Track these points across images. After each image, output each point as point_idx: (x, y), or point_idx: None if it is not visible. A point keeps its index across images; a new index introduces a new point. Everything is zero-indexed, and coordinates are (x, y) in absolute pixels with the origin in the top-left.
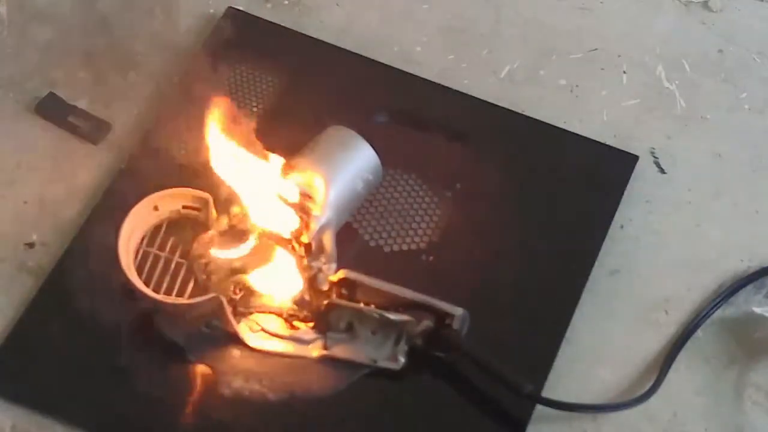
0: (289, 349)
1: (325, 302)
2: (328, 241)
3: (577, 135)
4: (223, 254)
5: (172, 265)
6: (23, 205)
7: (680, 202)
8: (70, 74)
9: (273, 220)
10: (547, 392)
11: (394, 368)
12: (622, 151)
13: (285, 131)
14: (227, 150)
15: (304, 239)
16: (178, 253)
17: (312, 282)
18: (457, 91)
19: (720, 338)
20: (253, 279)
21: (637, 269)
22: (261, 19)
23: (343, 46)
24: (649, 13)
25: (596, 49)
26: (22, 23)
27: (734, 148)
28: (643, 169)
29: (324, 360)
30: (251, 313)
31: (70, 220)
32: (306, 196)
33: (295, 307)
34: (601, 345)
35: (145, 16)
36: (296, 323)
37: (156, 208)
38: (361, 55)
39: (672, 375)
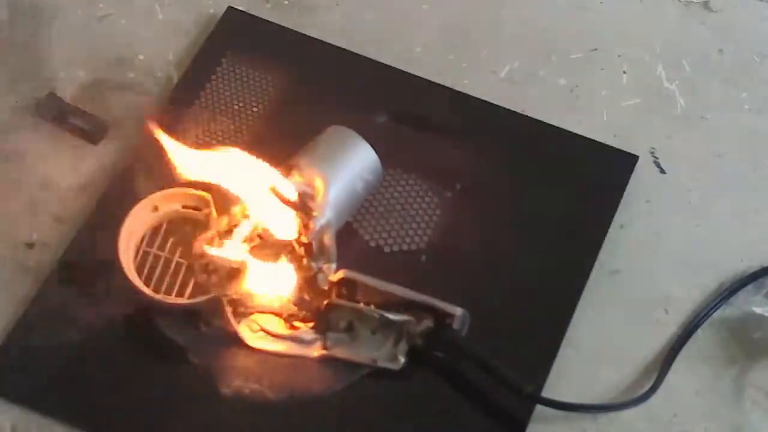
0: (289, 349)
1: (325, 302)
2: (328, 241)
3: (577, 135)
4: (217, 252)
5: (172, 265)
6: (23, 205)
7: (680, 202)
8: (70, 74)
9: (273, 220)
10: (547, 392)
11: (394, 368)
12: (622, 151)
13: (285, 131)
14: (223, 154)
15: (304, 239)
16: (178, 253)
17: (312, 282)
18: (457, 91)
19: (720, 338)
20: (249, 280)
21: (637, 269)
22: (261, 19)
23: (343, 46)
24: (648, 13)
25: (596, 49)
26: (22, 23)
27: (734, 148)
28: (643, 169)
29: (324, 360)
30: (251, 313)
31: (70, 220)
32: (307, 196)
33: (294, 307)
34: (601, 345)
35: (145, 16)
36: (296, 323)
37: (156, 208)
38: (361, 55)
39: (672, 375)
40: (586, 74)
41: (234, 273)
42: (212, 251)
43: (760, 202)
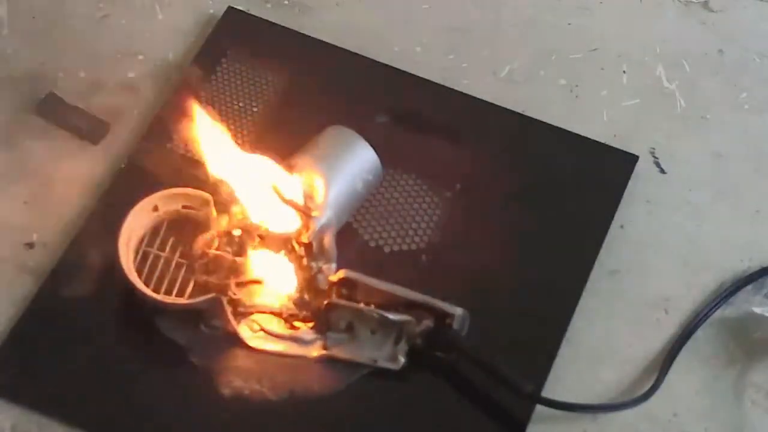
0: (289, 349)
1: (325, 302)
2: (328, 241)
3: (577, 135)
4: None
5: (172, 265)
6: (23, 205)
7: (680, 202)
8: (70, 74)
9: (272, 220)
10: (547, 392)
11: (394, 368)
12: (622, 151)
13: (285, 131)
14: (225, 151)
15: (304, 239)
16: (178, 253)
17: (312, 282)
18: (457, 91)
19: (720, 338)
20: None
21: (637, 269)
22: (261, 19)
23: (343, 46)
24: (649, 13)
25: (596, 49)
26: (22, 23)
27: (734, 148)
28: (643, 169)
29: (324, 360)
30: (251, 313)
31: (70, 220)
32: (306, 196)
33: (294, 307)
34: (601, 345)
35: (145, 16)
36: (296, 323)
37: (156, 208)
38: (361, 55)
39: (672, 375)
40: (586, 74)
41: (235, 268)
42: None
43: (760, 202)
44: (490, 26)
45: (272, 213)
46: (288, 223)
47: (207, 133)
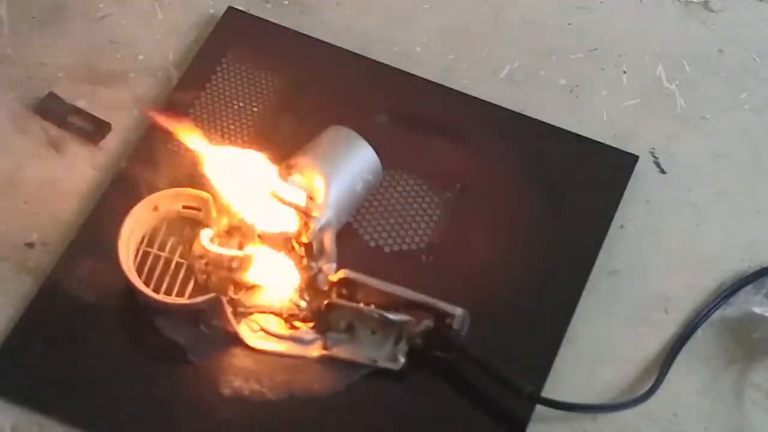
0: (289, 349)
1: (325, 302)
2: (328, 241)
3: (577, 135)
4: (218, 250)
5: (172, 265)
6: (23, 205)
7: (680, 202)
8: (70, 74)
9: (272, 221)
10: (547, 392)
11: (394, 368)
12: (622, 151)
13: (285, 131)
14: (225, 152)
15: (304, 239)
16: (178, 253)
17: (312, 282)
18: (457, 91)
19: (720, 338)
20: (251, 276)
21: (637, 269)
22: (261, 19)
23: (343, 46)
24: (649, 13)
25: (596, 49)
26: (22, 23)
27: (734, 148)
28: (643, 169)
29: (324, 360)
30: (251, 313)
31: (70, 220)
32: (306, 196)
33: (295, 307)
34: (601, 345)
35: (145, 16)
36: (296, 323)
37: (156, 208)
38: (361, 55)
39: (672, 375)
40: (586, 74)
41: (235, 267)
42: (212, 247)
43: (760, 202)
44: (490, 26)
45: (271, 213)
46: (287, 223)
47: (204, 136)
